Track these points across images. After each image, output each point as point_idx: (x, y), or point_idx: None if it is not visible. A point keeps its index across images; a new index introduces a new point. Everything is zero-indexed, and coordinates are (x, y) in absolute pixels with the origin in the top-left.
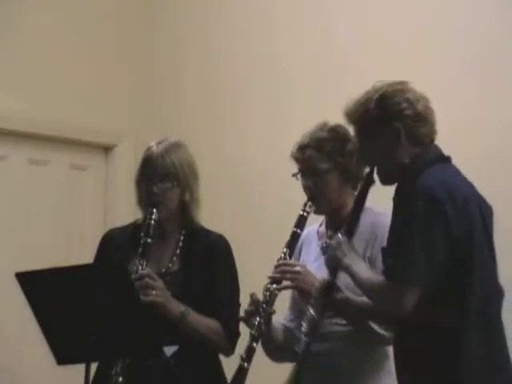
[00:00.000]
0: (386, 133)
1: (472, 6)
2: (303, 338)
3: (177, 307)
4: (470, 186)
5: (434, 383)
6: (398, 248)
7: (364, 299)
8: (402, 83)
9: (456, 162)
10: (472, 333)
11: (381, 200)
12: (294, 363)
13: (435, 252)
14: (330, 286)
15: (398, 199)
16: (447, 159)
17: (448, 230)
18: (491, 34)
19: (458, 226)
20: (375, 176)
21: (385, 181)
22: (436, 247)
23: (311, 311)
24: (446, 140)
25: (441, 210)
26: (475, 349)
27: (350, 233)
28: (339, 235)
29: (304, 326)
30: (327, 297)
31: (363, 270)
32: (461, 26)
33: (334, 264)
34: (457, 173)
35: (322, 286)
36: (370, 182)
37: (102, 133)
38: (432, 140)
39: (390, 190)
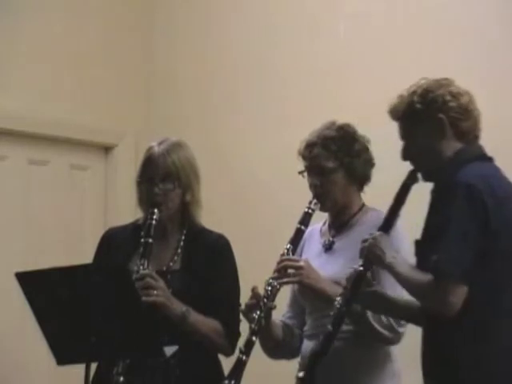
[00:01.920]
0: (431, 125)
1: (473, 8)
2: (328, 327)
3: (178, 307)
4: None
5: (468, 376)
6: (440, 243)
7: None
8: (447, 79)
9: None
10: (505, 323)
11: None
12: (312, 352)
13: (475, 246)
14: (360, 277)
15: (437, 193)
16: (490, 159)
17: (487, 220)
18: (492, 36)
19: (498, 218)
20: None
21: (427, 177)
22: (475, 240)
23: (339, 300)
24: None
25: (480, 201)
26: (508, 337)
27: (386, 228)
28: (376, 231)
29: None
30: (356, 287)
31: (407, 270)
32: (462, 27)
33: (374, 261)
34: (498, 171)
35: (351, 275)
36: (413, 179)
37: (101, 133)
38: (476, 136)
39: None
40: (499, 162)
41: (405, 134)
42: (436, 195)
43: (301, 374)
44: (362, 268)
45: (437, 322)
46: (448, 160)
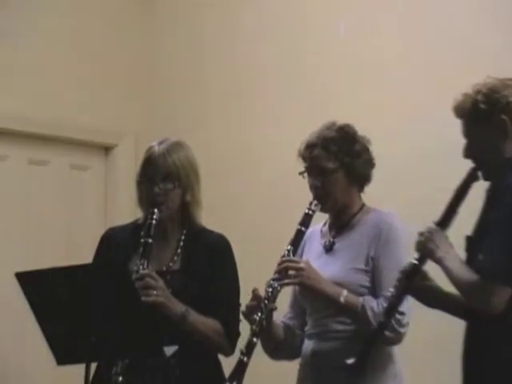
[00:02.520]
0: (493, 125)
1: (473, 17)
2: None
3: (178, 307)
4: None
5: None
6: (487, 243)
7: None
8: None
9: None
10: None
11: (382, 200)
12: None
13: None
14: (414, 270)
15: (491, 193)
16: None
17: None
18: (491, 48)
19: None
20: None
21: (487, 176)
22: None
23: (392, 292)
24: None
25: None
26: None
27: (444, 223)
28: (432, 224)
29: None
30: (410, 280)
31: (456, 267)
32: (462, 27)
33: (426, 254)
34: None
35: (406, 268)
36: (473, 177)
37: (102, 133)
38: None
39: (394, 192)
40: None
41: (467, 132)
42: (490, 195)
43: (350, 361)
44: (416, 261)
45: (482, 320)
46: (507, 161)
